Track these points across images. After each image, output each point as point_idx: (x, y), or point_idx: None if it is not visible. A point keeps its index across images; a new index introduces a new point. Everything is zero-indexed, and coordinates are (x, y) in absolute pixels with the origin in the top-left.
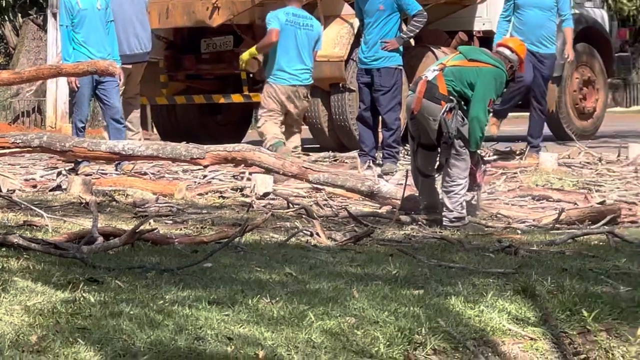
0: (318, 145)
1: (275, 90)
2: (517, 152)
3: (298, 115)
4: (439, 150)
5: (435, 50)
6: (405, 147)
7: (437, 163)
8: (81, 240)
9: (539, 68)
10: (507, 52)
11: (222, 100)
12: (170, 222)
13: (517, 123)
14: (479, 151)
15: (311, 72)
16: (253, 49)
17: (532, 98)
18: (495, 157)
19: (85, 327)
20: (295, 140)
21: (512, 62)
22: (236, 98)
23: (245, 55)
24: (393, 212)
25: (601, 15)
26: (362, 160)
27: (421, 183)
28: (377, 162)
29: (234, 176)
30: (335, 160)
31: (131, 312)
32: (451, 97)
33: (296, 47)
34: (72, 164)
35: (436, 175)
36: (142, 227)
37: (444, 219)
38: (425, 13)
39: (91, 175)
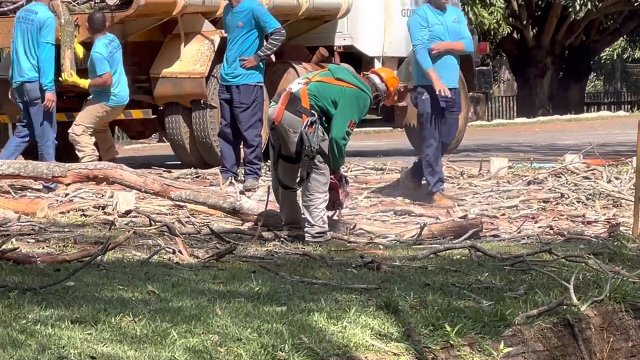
0: (180, 162)
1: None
2: (380, 167)
3: None
4: (300, 163)
5: (296, 66)
6: (267, 164)
7: (299, 178)
8: None
9: None
10: (376, 79)
11: None
12: (33, 240)
13: (379, 138)
14: (341, 169)
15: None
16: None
17: None
18: (357, 172)
19: None
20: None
21: (379, 92)
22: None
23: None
24: (255, 229)
25: None
26: (224, 177)
27: (282, 196)
28: (239, 178)
29: (96, 194)
30: (197, 177)
31: None
32: (313, 112)
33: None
34: None
35: (298, 189)
36: (3, 247)
37: (306, 234)
38: (283, 31)
39: None
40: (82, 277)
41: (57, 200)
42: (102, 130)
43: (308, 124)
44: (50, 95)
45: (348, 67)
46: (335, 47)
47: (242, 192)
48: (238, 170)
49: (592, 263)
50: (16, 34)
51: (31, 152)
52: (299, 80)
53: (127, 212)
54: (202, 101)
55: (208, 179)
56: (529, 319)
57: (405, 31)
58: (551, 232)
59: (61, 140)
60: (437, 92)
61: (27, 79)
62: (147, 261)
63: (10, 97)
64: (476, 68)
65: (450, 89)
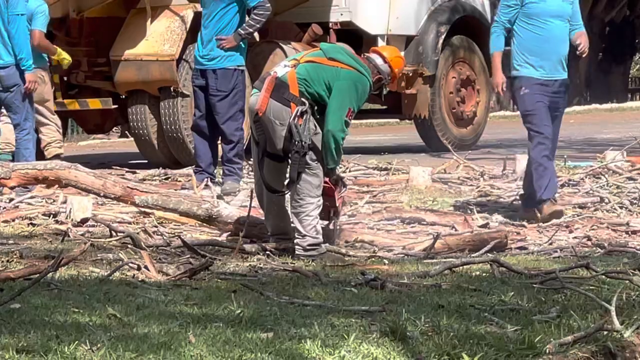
0: (146, 161)
1: None
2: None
3: None
4: (289, 162)
5: (284, 46)
6: (249, 163)
7: (288, 179)
8: None
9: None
10: (378, 60)
11: None
12: None
13: (383, 131)
14: (338, 170)
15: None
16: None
17: None
18: (357, 172)
19: None
20: None
21: (382, 74)
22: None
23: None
24: (236, 240)
25: (482, 3)
26: (198, 179)
27: (267, 202)
28: (216, 180)
29: (46, 199)
30: (166, 179)
31: None
32: (303, 100)
33: None
34: None
35: (286, 193)
36: None
37: (296, 247)
38: (269, 4)
39: None
40: (29, 298)
41: None
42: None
43: (298, 114)
44: (32, 76)
45: (344, 46)
46: (330, 24)
47: (219, 197)
48: (215, 171)
49: (638, 280)
50: None
51: None
52: (285, 62)
53: (83, 221)
54: (172, 88)
55: (179, 181)
56: (562, 347)
57: (415, 5)
58: (589, 243)
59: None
60: (494, 87)
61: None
62: (106, 279)
63: None
64: None
65: (552, 81)
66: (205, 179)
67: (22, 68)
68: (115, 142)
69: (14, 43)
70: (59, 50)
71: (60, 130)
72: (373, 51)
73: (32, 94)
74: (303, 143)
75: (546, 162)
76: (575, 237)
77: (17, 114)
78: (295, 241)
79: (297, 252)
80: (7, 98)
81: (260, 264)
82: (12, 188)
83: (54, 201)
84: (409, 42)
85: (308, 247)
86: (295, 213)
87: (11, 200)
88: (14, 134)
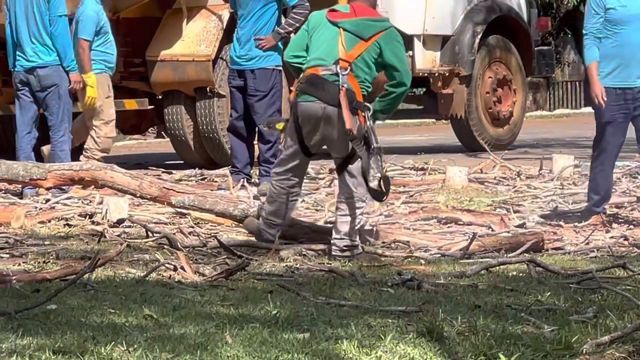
0: (182, 162)
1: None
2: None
3: None
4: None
5: None
6: None
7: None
8: None
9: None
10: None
11: None
12: (7, 256)
13: (420, 131)
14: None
15: None
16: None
17: None
18: (393, 173)
19: None
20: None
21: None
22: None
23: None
24: (272, 241)
25: (518, 2)
26: (234, 179)
27: (281, 192)
28: (253, 180)
29: (83, 200)
30: (203, 180)
31: None
32: (367, 105)
33: None
34: None
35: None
36: None
37: (333, 247)
38: (308, 4)
39: None
40: (65, 299)
41: (36, 208)
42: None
43: (369, 119)
44: (77, 76)
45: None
46: None
47: (256, 197)
48: (252, 172)
49: None
50: (13, 11)
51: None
52: (328, 63)
53: (120, 222)
54: (208, 89)
55: (216, 182)
56: (599, 347)
57: (451, 5)
58: (625, 243)
59: None
60: (592, 98)
61: (38, 63)
62: (143, 280)
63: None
64: (535, 48)
65: (632, 88)
66: (242, 180)
67: (67, 69)
68: (151, 143)
69: (56, 44)
70: (93, 77)
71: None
72: None
73: (71, 96)
74: (376, 146)
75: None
76: (612, 237)
77: (54, 115)
78: (332, 241)
79: (333, 253)
80: (45, 98)
81: (296, 265)
82: (48, 189)
83: (90, 202)
84: (445, 42)
85: (345, 248)
86: (343, 214)
87: (47, 201)
88: (52, 136)
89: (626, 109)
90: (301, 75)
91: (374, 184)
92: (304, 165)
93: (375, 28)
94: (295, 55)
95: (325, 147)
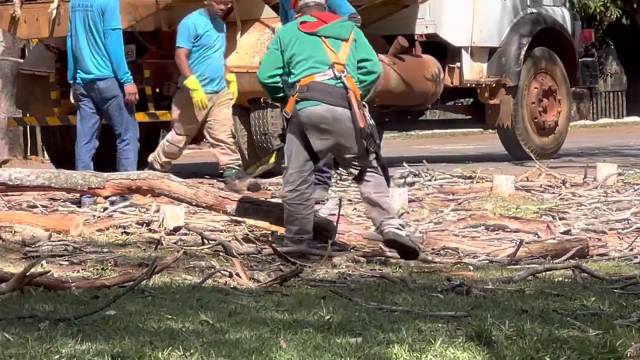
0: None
1: None
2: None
3: None
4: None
5: None
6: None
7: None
8: None
9: None
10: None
11: None
12: (66, 263)
13: (467, 140)
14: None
15: None
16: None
17: None
18: (442, 181)
19: None
20: None
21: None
22: (139, 117)
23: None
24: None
25: (562, 15)
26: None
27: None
28: None
29: (140, 209)
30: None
31: None
32: (364, 103)
33: None
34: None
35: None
36: (32, 270)
37: (392, 226)
38: (359, 16)
39: None
40: (123, 305)
41: (94, 216)
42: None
43: (368, 117)
44: (131, 88)
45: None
46: (416, 36)
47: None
48: None
49: None
50: (74, 25)
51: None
52: (329, 69)
53: (176, 229)
54: (262, 99)
55: (269, 190)
56: None
57: (497, 18)
58: None
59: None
60: None
61: (97, 75)
62: (199, 286)
63: (72, 99)
64: (579, 59)
65: None
66: None
67: (121, 81)
68: (206, 152)
69: (110, 56)
70: (194, 81)
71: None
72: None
73: (133, 105)
74: (377, 142)
75: None
76: None
77: (118, 125)
78: (389, 222)
79: (394, 230)
80: (107, 109)
81: (349, 271)
82: (106, 197)
83: (147, 210)
84: (492, 54)
85: (400, 227)
86: (383, 200)
87: (105, 209)
88: (118, 145)
89: None
90: (296, 86)
91: None
92: (311, 173)
93: (348, 28)
94: (271, 76)
95: (334, 154)
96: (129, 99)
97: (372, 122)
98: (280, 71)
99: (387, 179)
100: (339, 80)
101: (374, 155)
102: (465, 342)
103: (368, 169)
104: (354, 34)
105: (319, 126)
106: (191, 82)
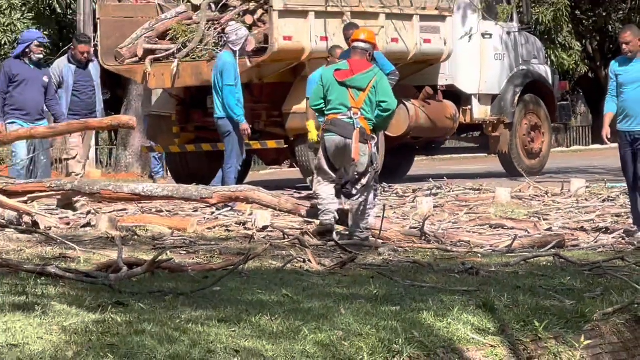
0: (308, 185)
1: None
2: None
3: None
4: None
5: (406, 102)
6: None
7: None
8: (109, 269)
9: None
10: (362, 45)
11: None
12: (184, 252)
13: (476, 162)
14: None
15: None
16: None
17: None
18: (458, 192)
19: (113, 343)
20: None
21: (369, 51)
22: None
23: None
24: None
25: (545, 70)
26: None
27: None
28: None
29: (238, 213)
30: None
31: (152, 330)
32: (374, 135)
33: None
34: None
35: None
36: (160, 258)
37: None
38: (398, 72)
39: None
40: (226, 283)
41: (204, 218)
42: None
43: (374, 146)
44: (244, 126)
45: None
46: (438, 86)
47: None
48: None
49: None
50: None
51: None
52: (346, 110)
53: (264, 228)
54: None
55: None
56: (605, 316)
57: (498, 72)
58: (623, 242)
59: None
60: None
61: (218, 115)
62: (281, 269)
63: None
64: (557, 103)
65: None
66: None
67: (236, 120)
68: (286, 171)
69: (227, 105)
70: (312, 125)
71: None
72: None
73: (243, 138)
74: (376, 165)
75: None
76: (613, 237)
77: (226, 152)
78: (356, 234)
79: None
80: (224, 141)
81: (390, 258)
82: (212, 205)
83: (243, 214)
84: (494, 99)
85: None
86: (363, 211)
87: (212, 213)
88: (223, 166)
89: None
90: (325, 119)
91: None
92: (331, 173)
93: (369, 78)
94: (317, 104)
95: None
96: (243, 133)
97: (374, 150)
98: (322, 100)
99: (373, 196)
100: (352, 120)
101: (366, 179)
102: (475, 310)
103: (355, 187)
104: (374, 82)
105: (334, 150)
106: (312, 126)
